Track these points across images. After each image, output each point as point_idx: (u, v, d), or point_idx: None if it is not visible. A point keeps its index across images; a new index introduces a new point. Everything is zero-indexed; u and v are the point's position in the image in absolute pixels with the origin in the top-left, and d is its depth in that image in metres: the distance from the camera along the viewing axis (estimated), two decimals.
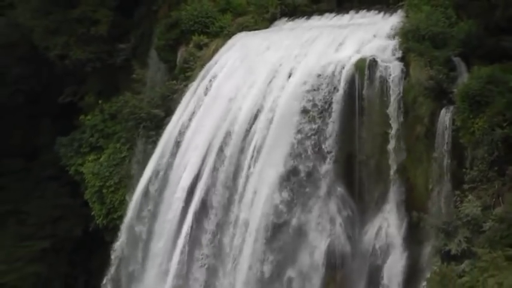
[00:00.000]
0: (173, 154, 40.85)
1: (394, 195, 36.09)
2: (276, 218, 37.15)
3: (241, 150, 38.53)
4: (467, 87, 34.33)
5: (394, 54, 37.08)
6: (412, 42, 36.64)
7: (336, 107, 36.81)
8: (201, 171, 39.32)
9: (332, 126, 36.86)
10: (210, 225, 38.89)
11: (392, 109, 35.96)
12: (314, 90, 37.31)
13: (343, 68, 37.09)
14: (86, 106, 51.18)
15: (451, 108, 34.92)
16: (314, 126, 37.13)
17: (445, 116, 34.95)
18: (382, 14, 40.88)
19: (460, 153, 34.64)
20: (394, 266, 35.61)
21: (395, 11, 39.86)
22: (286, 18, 44.46)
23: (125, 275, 42.29)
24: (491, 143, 33.46)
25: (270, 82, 39.03)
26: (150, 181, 41.48)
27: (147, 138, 44.66)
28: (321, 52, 38.73)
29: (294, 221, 37.20)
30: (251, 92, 39.29)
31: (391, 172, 35.97)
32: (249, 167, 37.98)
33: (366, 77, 36.58)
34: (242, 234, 37.50)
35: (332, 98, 36.91)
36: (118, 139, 48.96)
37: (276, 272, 37.22)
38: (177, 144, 40.81)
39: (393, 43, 37.40)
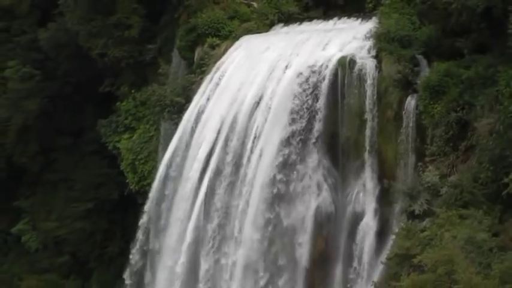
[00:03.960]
0: (192, 133, 40.78)
1: (369, 166, 36.00)
2: (274, 182, 37.20)
3: (247, 129, 38.48)
4: (428, 79, 34.31)
5: (369, 53, 36.97)
6: (384, 43, 36.50)
7: (323, 95, 36.78)
8: (214, 146, 39.27)
9: (319, 110, 36.81)
10: (221, 189, 38.94)
11: (368, 97, 35.90)
12: (305, 81, 37.26)
13: (329, 63, 37.00)
14: (121, 94, 51.10)
15: (415, 96, 34.87)
16: (305, 110, 37.09)
17: (411, 103, 34.92)
18: (360, 20, 40.61)
19: (422, 132, 34.62)
20: (369, 223, 35.62)
21: (370, 17, 39.59)
22: (282, 24, 44.22)
23: (153, 227, 42.47)
24: (447, 124, 33.46)
25: (270, 75, 38.92)
26: (173, 155, 41.47)
27: (171, 121, 44.55)
28: (310, 51, 38.61)
29: (290, 187, 37.23)
30: (254, 83, 39.17)
31: (367, 148, 35.92)
32: (253, 143, 37.95)
33: (346, 71, 36.51)
34: (248, 193, 37.70)
35: (320, 88, 36.88)
36: (147, 121, 48.97)
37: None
38: (195, 125, 40.75)
39: (369, 44, 37.25)
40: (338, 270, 36.30)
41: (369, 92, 35.91)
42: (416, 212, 33.00)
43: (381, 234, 35.08)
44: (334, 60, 36.97)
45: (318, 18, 43.30)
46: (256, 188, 37.26)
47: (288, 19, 44.24)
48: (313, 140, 36.90)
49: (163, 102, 44.75)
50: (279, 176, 37.14)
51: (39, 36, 53.44)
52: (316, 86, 36.96)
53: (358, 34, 38.36)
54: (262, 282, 37.24)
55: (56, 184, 56.46)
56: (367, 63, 36.34)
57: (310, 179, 37.00)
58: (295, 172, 37.12)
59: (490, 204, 30.75)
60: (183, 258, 39.20)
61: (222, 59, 42.06)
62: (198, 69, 43.84)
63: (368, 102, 35.84)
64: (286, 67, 38.55)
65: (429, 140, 34.25)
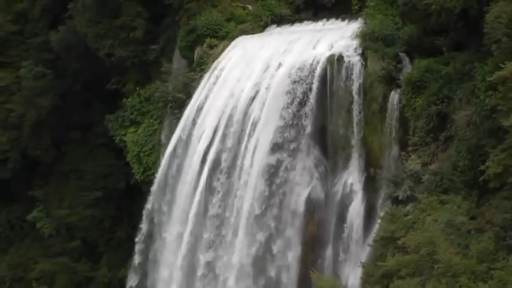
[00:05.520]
0: (192, 126, 40.64)
1: (356, 156, 36.07)
2: (269, 171, 37.16)
3: (243, 123, 38.38)
4: (410, 75, 34.31)
5: (356, 51, 36.89)
6: (369, 42, 36.47)
7: (313, 90, 36.72)
8: (214, 138, 39.17)
9: (310, 104, 36.77)
10: (220, 179, 38.86)
11: (355, 91, 35.90)
12: (297, 77, 37.19)
13: (319, 61, 36.95)
14: (127, 91, 50.91)
15: (398, 90, 34.90)
16: (297, 104, 37.04)
17: (394, 97, 34.95)
18: (346, 21, 40.51)
19: (405, 124, 34.65)
20: (357, 208, 35.64)
21: (356, 18, 39.53)
22: (275, 25, 44.03)
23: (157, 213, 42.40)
24: (428, 116, 33.49)
25: (264, 72, 38.79)
26: (175, 146, 41.35)
27: (173, 115, 44.46)
28: (301, 50, 38.52)
29: (283, 175, 37.20)
30: (250, 79, 39.05)
31: (354, 139, 35.92)
32: (249, 136, 37.90)
33: (335, 68, 36.48)
34: (245, 181, 37.59)
35: (310, 84, 36.82)
36: (151, 116, 48.77)
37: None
38: (195, 118, 40.60)
39: (355, 42, 37.18)
40: (329, 252, 36.32)
41: (355, 87, 35.90)
42: (400, 197, 33.04)
43: (368, 218, 35.12)
44: (323, 58, 36.94)
45: (308, 19, 43.23)
46: (253, 176, 37.28)
47: (280, 20, 44.10)
48: (305, 132, 36.89)
49: (165, 98, 44.70)
50: (273, 165, 37.13)
51: (50, 38, 53.25)
52: (307, 82, 36.90)
53: (346, 34, 38.33)
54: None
55: (67, 175, 56.34)
56: (353, 60, 36.32)
57: (302, 167, 37.00)
58: (287, 161, 37.11)
59: (468, 190, 30.77)
60: (186, 237, 39.24)
61: (220, 58, 41.91)
62: (198, 68, 43.75)
63: (355, 97, 35.84)
64: (279, 64, 38.43)
65: (411, 131, 34.26)
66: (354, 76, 35.98)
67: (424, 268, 27.15)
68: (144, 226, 42.81)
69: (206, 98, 40.66)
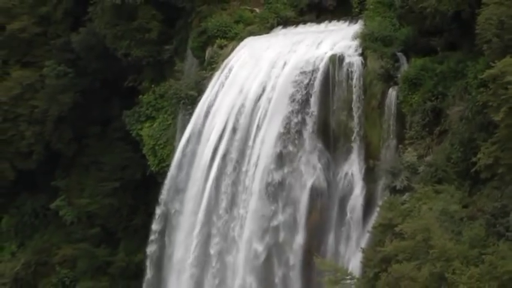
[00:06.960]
0: (203, 122, 40.60)
1: (356, 149, 36.08)
2: (275, 163, 37.18)
3: (251, 118, 38.35)
4: (407, 73, 34.34)
5: (356, 51, 36.91)
6: (368, 42, 36.48)
7: (316, 87, 36.75)
8: (224, 132, 39.18)
9: (314, 100, 36.80)
10: (229, 171, 38.86)
11: (355, 89, 35.90)
12: (301, 75, 37.22)
13: (321, 60, 36.97)
14: (143, 89, 50.90)
15: (396, 88, 34.91)
16: (301, 100, 37.06)
17: (392, 93, 34.97)
18: (347, 22, 40.45)
19: (402, 119, 34.68)
20: (357, 198, 35.68)
21: (357, 21, 39.51)
22: (281, 27, 43.87)
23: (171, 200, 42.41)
24: (423, 111, 33.53)
25: (271, 70, 38.78)
26: (188, 140, 41.33)
27: (186, 111, 44.40)
28: (305, 50, 38.51)
29: (288, 166, 37.23)
30: (257, 78, 39.02)
31: (354, 133, 35.93)
32: (257, 130, 37.93)
33: (337, 67, 36.50)
34: (253, 173, 37.63)
35: (313, 82, 36.84)
36: (165, 111, 48.78)
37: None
38: (206, 115, 40.59)
39: (355, 43, 37.18)
40: (331, 238, 36.36)
41: (356, 85, 35.92)
42: (398, 187, 33.07)
43: (367, 207, 35.15)
44: (326, 58, 36.96)
45: (312, 21, 43.07)
46: (260, 168, 37.31)
47: (285, 22, 43.97)
48: (309, 126, 36.90)
49: (179, 95, 44.67)
50: (279, 158, 37.15)
51: (71, 39, 53.27)
52: (310, 80, 36.93)
53: (347, 35, 38.29)
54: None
55: (87, 166, 56.42)
56: (354, 59, 36.34)
57: (306, 159, 37.02)
58: (293, 154, 37.14)
59: (460, 180, 30.80)
60: (198, 224, 39.28)
61: (229, 58, 41.88)
62: (209, 67, 43.72)
63: (355, 93, 35.86)
64: (285, 64, 38.44)
65: (408, 125, 34.29)
66: (355, 74, 35.99)
67: (420, 253, 27.20)
68: (160, 207, 42.84)
69: (216, 95, 40.65)
